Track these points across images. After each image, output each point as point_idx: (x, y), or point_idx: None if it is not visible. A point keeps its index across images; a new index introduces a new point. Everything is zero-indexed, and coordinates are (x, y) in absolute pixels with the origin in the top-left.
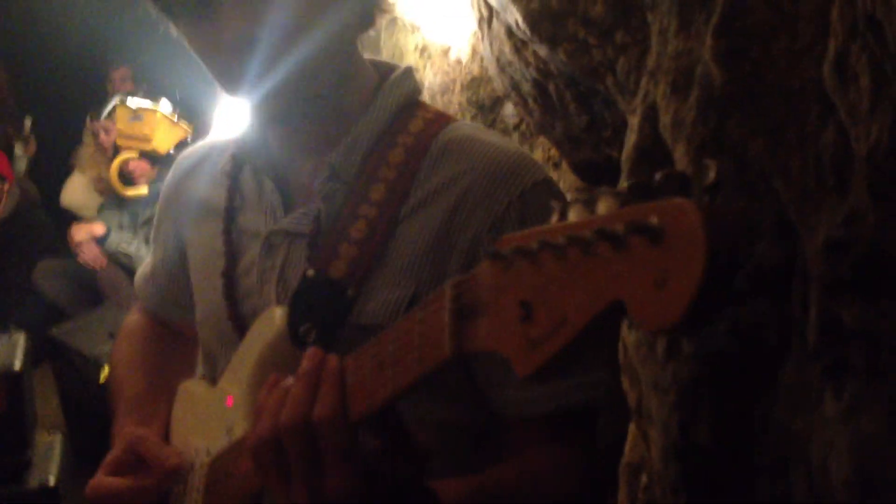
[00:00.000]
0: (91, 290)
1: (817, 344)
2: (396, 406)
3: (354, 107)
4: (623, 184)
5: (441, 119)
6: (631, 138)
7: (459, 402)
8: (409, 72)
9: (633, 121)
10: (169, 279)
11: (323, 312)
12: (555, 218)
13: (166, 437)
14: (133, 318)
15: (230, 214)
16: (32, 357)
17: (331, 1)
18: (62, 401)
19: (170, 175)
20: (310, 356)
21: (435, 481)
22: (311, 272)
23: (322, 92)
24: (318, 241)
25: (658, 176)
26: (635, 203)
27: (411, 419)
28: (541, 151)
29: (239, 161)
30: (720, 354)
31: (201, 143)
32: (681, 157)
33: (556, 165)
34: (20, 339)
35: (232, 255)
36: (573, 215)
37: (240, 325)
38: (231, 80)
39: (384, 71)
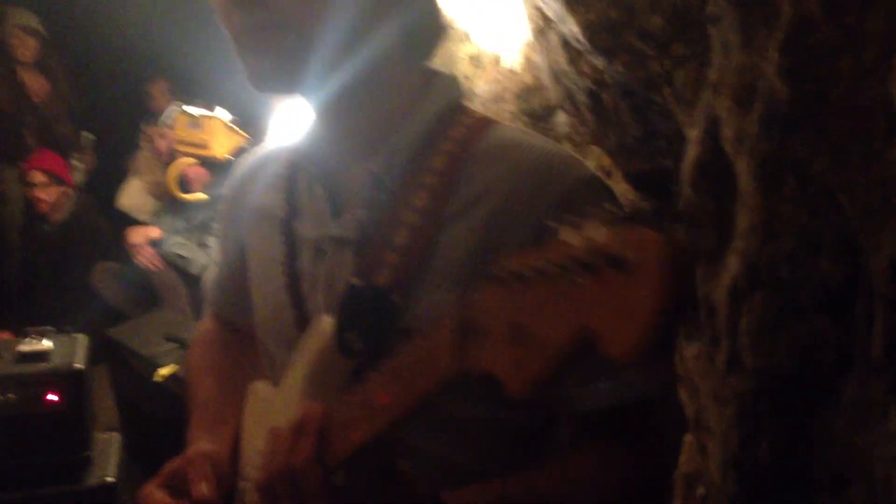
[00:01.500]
0: (147, 292)
1: (882, 360)
2: (390, 440)
3: (399, 113)
4: (607, 208)
5: (483, 123)
6: (691, 151)
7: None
8: (452, 78)
9: (693, 133)
10: (234, 284)
11: (369, 320)
12: (551, 239)
13: (237, 435)
14: (204, 325)
15: (288, 219)
16: (93, 358)
17: (388, 7)
18: (118, 400)
19: (230, 182)
20: (302, 407)
21: (450, 493)
22: (355, 280)
23: (372, 96)
24: (362, 249)
25: (634, 206)
26: (615, 229)
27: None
28: (592, 161)
29: (294, 167)
30: (781, 369)
31: (259, 150)
32: (742, 171)
33: (609, 175)
34: (81, 339)
35: (291, 258)
36: (563, 236)
37: (300, 326)
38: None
39: (429, 77)
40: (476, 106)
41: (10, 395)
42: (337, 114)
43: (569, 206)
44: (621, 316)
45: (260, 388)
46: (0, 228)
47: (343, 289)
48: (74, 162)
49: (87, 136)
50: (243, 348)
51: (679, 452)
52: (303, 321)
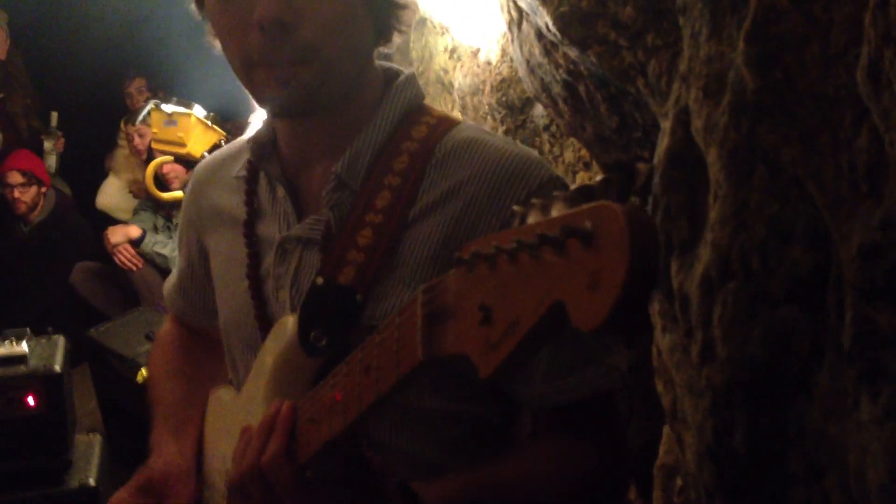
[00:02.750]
0: (127, 292)
1: (852, 349)
2: (359, 431)
3: (361, 114)
4: (572, 188)
5: (444, 123)
6: (663, 142)
7: (478, 397)
8: (411, 77)
9: (666, 124)
10: (195, 287)
11: (333, 318)
12: (516, 222)
13: (200, 442)
14: (166, 327)
15: (250, 220)
16: (71, 359)
17: (358, 7)
18: (100, 402)
19: (189, 184)
20: (271, 405)
21: (418, 483)
22: (319, 279)
23: (336, 97)
24: (327, 249)
25: (598, 179)
26: (576, 208)
27: (434, 410)
28: (571, 152)
29: (254, 167)
30: (754, 359)
31: (217, 151)
32: (714, 162)
33: (587, 166)
34: (59, 341)
35: (255, 261)
36: (531, 219)
37: (264, 329)
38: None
39: (389, 77)
40: (455, 98)
41: None
42: (317, 121)
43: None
44: (589, 286)
45: (222, 394)
46: None
47: (308, 288)
48: (47, 145)
49: (54, 115)
50: (205, 351)
51: (657, 444)
52: (266, 323)
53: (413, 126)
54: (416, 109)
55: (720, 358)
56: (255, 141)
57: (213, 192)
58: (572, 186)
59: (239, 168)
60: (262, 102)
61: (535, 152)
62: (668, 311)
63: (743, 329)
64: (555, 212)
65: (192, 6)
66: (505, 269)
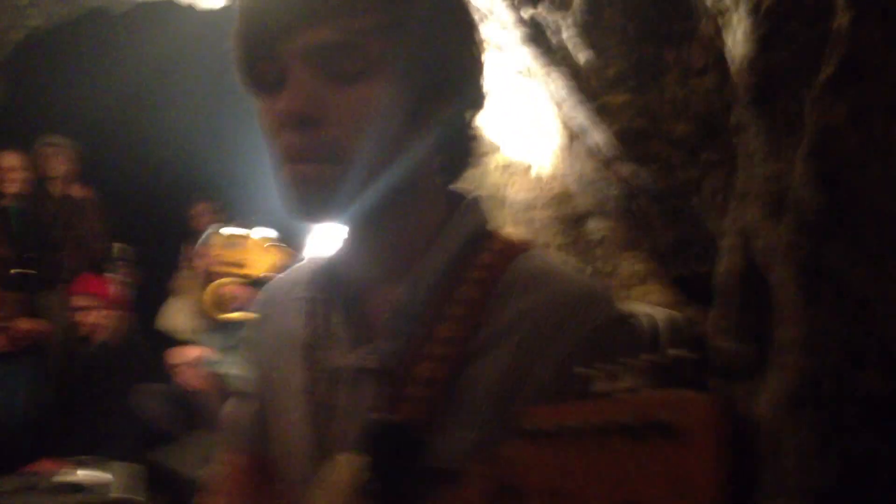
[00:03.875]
0: (189, 413)
1: None
2: None
3: (423, 238)
4: (643, 358)
5: (510, 251)
6: (723, 262)
7: None
8: (476, 201)
9: (725, 243)
10: (253, 412)
11: (389, 457)
12: (579, 388)
13: None
14: (222, 458)
15: (308, 346)
16: (133, 481)
17: (398, 112)
18: None
19: (255, 307)
20: None
21: None
22: (376, 415)
23: (400, 218)
24: (385, 381)
25: (672, 354)
26: (653, 386)
27: None
28: (627, 266)
29: (313, 291)
30: (830, 490)
31: (282, 275)
32: (777, 283)
33: (643, 280)
34: (120, 468)
35: (312, 388)
36: (597, 387)
37: (317, 463)
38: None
39: (453, 200)
40: (507, 215)
41: None
42: (363, 235)
43: (597, 344)
44: (671, 490)
45: None
46: (43, 352)
47: (364, 423)
48: (113, 277)
49: (122, 248)
50: (263, 483)
51: None
52: (323, 456)
53: (478, 252)
54: (482, 234)
55: (793, 490)
56: (317, 263)
57: (275, 316)
58: (634, 307)
59: (300, 291)
60: (286, 202)
61: (603, 285)
62: None
63: (818, 459)
64: (623, 383)
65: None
66: (570, 451)
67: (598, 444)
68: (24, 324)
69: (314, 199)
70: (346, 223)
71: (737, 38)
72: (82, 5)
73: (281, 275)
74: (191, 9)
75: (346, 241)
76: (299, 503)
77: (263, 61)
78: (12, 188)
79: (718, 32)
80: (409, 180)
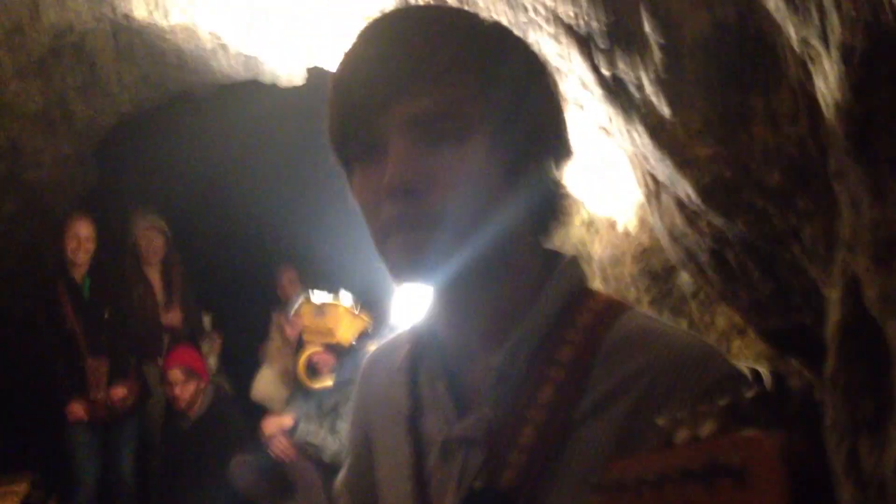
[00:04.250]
0: (283, 483)
1: None
2: None
3: (520, 300)
4: (720, 402)
5: (612, 310)
6: (833, 315)
7: None
8: (574, 261)
9: (833, 294)
10: (362, 484)
11: None
12: (662, 441)
13: None
14: None
15: (412, 416)
16: None
17: (493, 177)
18: None
19: (359, 378)
20: None
21: None
22: (478, 484)
23: (495, 281)
24: (488, 450)
25: (749, 394)
26: (727, 430)
27: None
28: (723, 319)
29: (416, 360)
30: None
31: (385, 342)
32: (893, 334)
33: (741, 333)
34: None
35: (418, 460)
36: (679, 436)
37: None
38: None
39: (549, 259)
40: (594, 271)
41: None
42: (458, 300)
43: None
44: None
45: None
46: (143, 425)
47: (468, 492)
48: (205, 348)
49: (211, 319)
50: None
51: None
52: None
53: (578, 313)
54: (581, 294)
55: None
56: (415, 332)
57: (378, 386)
58: (745, 368)
59: (402, 361)
60: (392, 271)
61: (710, 343)
62: (861, 499)
63: None
64: (705, 430)
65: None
66: (649, 498)
67: (676, 493)
68: (120, 391)
69: (424, 264)
70: (439, 286)
71: (829, 84)
72: (170, 90)
73: (382, 344)
74: (273, 87)
75: (438, 305)
76: None
77: (360, 133)
78: (85, 258)
79: (808, 77)
80: (505, 239)
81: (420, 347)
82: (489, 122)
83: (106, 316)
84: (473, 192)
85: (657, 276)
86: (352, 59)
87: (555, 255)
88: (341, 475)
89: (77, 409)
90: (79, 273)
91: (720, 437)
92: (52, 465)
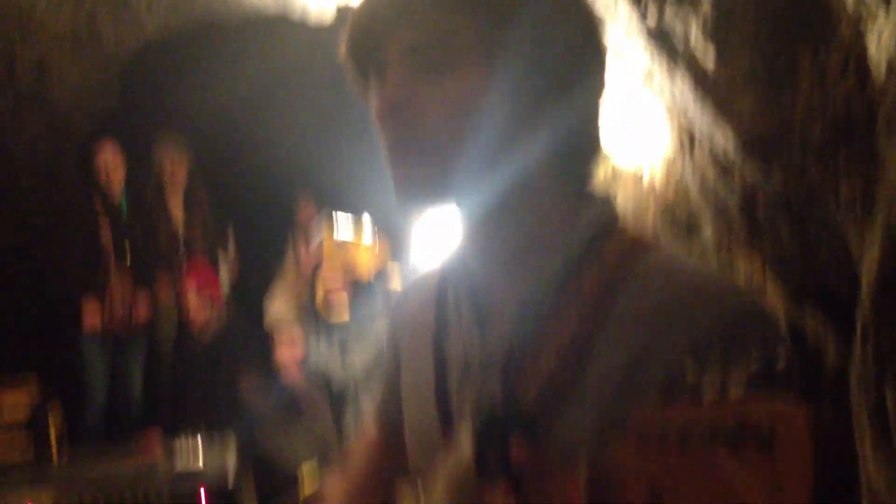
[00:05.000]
0: (292, 406)
1: None
2: None
3: (551, 233)
4: (753, 367)
5: (639, 247)
6: (871, 269)
7: None
8: (606, 200)
9: (872, 252)
10: (395, 400)
11: (507, 442)
12: (689, 378)
13: None
14: (366, 432)
15: (437, 337)
16: (241, 469)
17: (541, 123)
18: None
19: (391, 310)
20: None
21: None
22: (499, 402)
23: (522, 213)
24: (508, 372)
25: (781, 365)
26: (760, 395)
27: None
28: (743, 274)
29: (444, 285)
30: None
31: (418, 276)
32: None
33: (762, 289)
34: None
35: (441, 377)
36: (707, 379)
37: (446, 447)
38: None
39: (583, 197)
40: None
41: None
42: (485, 230)
43: (726, 333)
44: (771, 489)
45: None
46: (155, 343)
47: (487, 410)
48: (221, 267)
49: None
50: (391, 458)
51: None
52: (449, 440)
53: (605, 248)
54: (610, 231)
55: None
56: (447, 261)
57: (409, 311)
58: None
59: (432, 287)
60: (397, 190)
61: (735, 281)
62: (884, 447)
63: None
64: (734, 393)
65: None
66: (675, 454)
67: (701, 449)
68: (143, 309)
69: (419, 194)
70: (463, 219)
71: (882, 42)
72: (198, 19)
73: (415, 278)
74: (302, 24)
75: (465, 233)
76: (426, 482)
77: (369, 56)
78: (117, 181)
79: (859, 35)
80: (528, 175)
81: (450, 274)
82: (495, 54)
83: (138, 237)
84: (468, 123)
85: (681, 229)
86: None
87: (590, 195)
88: (377, 397)
89: (92, 317)
90: (114, 195)
91: (749, 401)
92: (58, 371)
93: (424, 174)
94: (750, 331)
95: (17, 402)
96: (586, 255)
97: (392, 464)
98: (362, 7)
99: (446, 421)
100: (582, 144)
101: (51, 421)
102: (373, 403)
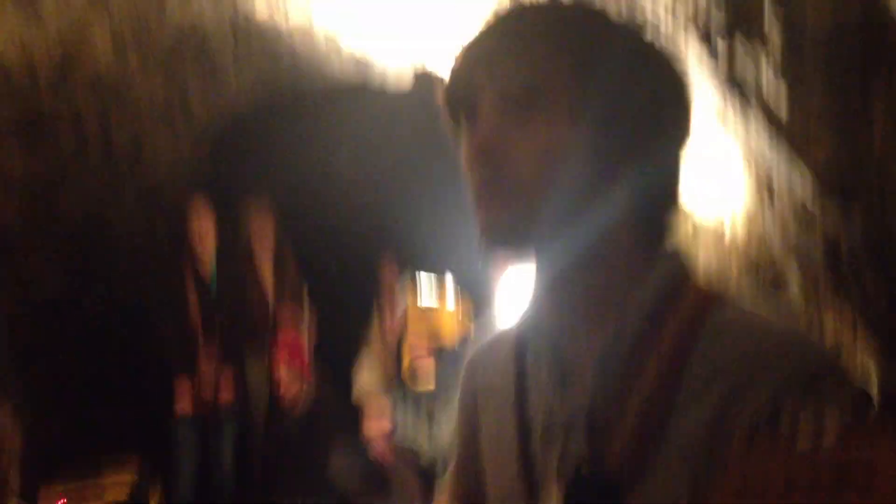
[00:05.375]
0: (381, 483)
1: None
2: None
3: (626, 287)
4: (842, 413)
5: (712, 300)
6: None
7: None
8: (677, 252)
9: None
10: (471, 471)
11: None
12: (785, 420)
13: None
14: None
15: (519, 400)
16: None
17: (581, 153)
18: None
19: (463, 374)
20: None
21: None
22: (584, 466)
23: (598, 266)
24: (591, 433)
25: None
26: (853, 435)
27: None
28: (832, 331)
29: (522, 344)
30: None
31: (489, 337)
32: None
33: (853, 342)
34: None
35: (524, 442)
36: (802, 419)
37: None
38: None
39: (654, 250)
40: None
41: None
42: (562, 285)
43: (803, 389)
44: None
45: None
46: (246, 419)
47: (572, 475)
48: (308, 337)
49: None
50: None
51: None
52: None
53: (679, 302)
54: (683, 284)
55: None
56: (522, 321)
57: (485, 373)
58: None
59: (508, 352)
60: (477, 239)
61: (810, 334)
62: None
63: None
64: (828, 421)
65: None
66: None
67: (802, 499)
68: (228, 391)
69: (501, 239)
70: (539, 274)
71: None
72: (283, 92)
73: (487, 339)
74: (382, 92)
75: (539, 289)
76: None
77: (463, 101)
78: (208, 253)
79: None
80: (607, 227)
81: (527, 333)
82: (581, 104)
83: (225, 313)
84: (554, 170)
85: (765, 286)
86: (463, 47)
87: (661, 247)
88: (450, 468)
89: (183, 399)
90: (204, 269)
91: (847, 449)
92: (157, 454)
93: (508, 217)
94: (833, 379)
95: (119, 482)
96: (661, 311)
97: None
98: (460, 55)
99: (531, 485)
100: (662, 198)
101: (152, 501)
102: (447, 475)
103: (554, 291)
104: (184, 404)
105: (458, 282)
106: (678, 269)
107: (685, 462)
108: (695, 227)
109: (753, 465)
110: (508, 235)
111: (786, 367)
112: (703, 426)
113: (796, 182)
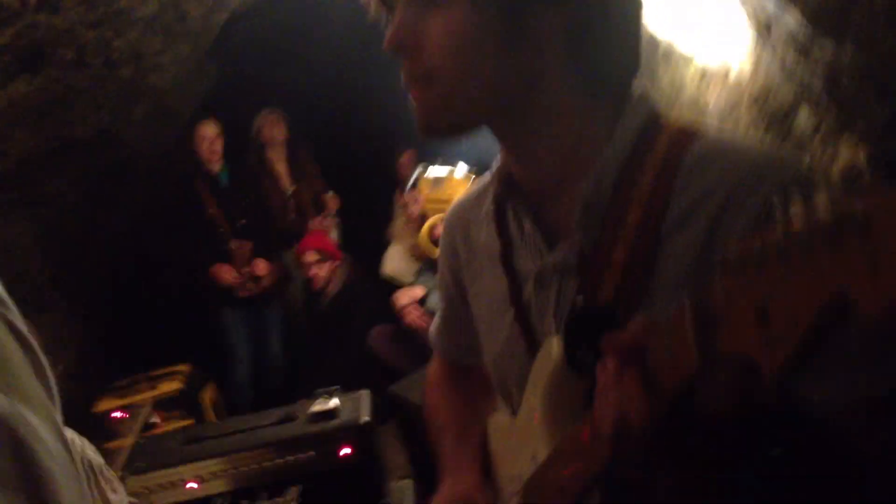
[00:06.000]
0: (419, 347)
1: None
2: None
3: (596, 136)
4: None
5: (686, 133)
6: None
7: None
8: (644, 94)
9: None
10: (458, 327)
11: (597, 337)
12: (778, 213)
13: (486, 466)
14: (434, 368)
15: (505, 252)
16: (378, 413)
17: (488, 34)
18: (408, 450)
19: (442, 230)
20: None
21: None
22: (580, 300)
23: (546, 125)
24: (583, 271)
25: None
26: (845, 195)
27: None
28: (846, 152)
29: (500, 202)
30: None
31: (463, 195)
32: None
33: (860, 169)
34: (365, 395)
35: (516, 292)
36: (794, 209)
37: (532, 355)
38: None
39: (619, 99)
40: (712, 120)
41: (310, 453)
42: (527, 154)
43: (786, 200)
44: (870, 273)
45: (500, 420)
46: (287, 306)
47: (568, 311)
48: (333, 229)
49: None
50: (473, 385)
51: None
52: (534, 349)
53: (654, 139)
54: (655, 123)
55: None
56: (498, 177)
57: (466, 232)
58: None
59: (487, 205)
60: (417, 126)
61: (786, 148)
62: None
63: None
64: (819, 200)
65: None
66: (775, 267)
67: (801, 252)
68: (262, 267)
69: (426, 121)
70: (503, 147)
71: None
72: None
73: (460, 197)
74: None
75: (503, 152)
76: (516, 395)
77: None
78: (217, 153)
79: None
80: (550, 91)
81: (503, 191)
82: None
83: (245, 202)
84: (460, 48)
85: (775, 117)
86: None
87: (625, 95)
88: (435, 322)
89: (224, 274)
90: (214, 166)
91: (846, 198)
92: (206, 357)
93: (434, 104)
94: (812, 185)
95: (173, 373)
96: (636, 151)
97: (468, 388)
98: None
99: (528, 330)
100: (605, 46)
101: (205, 395)
102: (431, 334)
103: (521, 161)
104: (225, 279)
105: (472, 164)
106: (648, 112)
107: (676, 286)
108: (703, 72)
109: (752, 240)
110: (440, 121)
111: (772, 177)
112: (691, 250)
113: (788, 10)
